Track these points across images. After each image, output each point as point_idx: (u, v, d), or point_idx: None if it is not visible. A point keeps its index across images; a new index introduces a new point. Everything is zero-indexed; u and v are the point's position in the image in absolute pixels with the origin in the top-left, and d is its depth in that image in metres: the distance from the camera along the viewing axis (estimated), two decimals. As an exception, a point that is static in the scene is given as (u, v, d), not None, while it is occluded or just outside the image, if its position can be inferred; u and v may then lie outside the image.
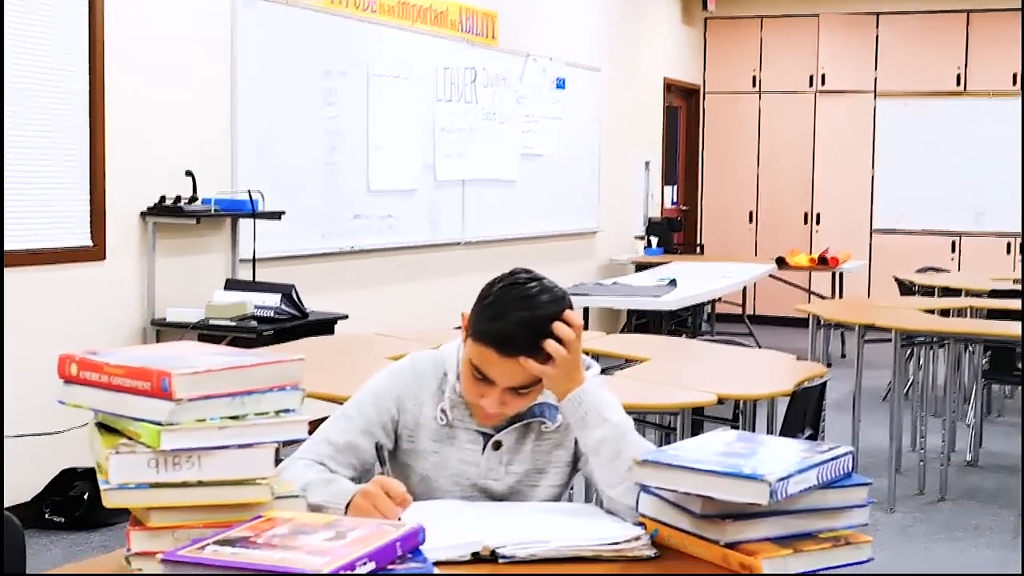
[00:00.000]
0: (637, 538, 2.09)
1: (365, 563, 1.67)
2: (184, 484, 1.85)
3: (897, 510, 5.69)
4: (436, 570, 1.82)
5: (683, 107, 12.89)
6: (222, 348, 2.08)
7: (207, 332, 5.67)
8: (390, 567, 1.73)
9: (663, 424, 4.25)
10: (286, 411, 1.94)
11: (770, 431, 4.32)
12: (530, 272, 2.32)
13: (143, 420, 1.85)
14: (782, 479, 1.94)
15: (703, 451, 2.08)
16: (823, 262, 10.36)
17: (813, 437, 4.02)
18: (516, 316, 2.23)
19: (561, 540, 2.07)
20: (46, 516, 5.25)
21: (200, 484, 1.86)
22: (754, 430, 4.08)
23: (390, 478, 2.11)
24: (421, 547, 1.82)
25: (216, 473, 1.86)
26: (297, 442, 2.05)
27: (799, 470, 1.98)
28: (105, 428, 1.96)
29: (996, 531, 5.41)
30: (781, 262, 10.25)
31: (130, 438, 1.89)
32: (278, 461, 1.96)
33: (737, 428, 4.29)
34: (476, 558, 2.03)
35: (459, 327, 2.35)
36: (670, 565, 2.05)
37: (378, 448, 2.24)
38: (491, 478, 2.40)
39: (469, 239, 8.61)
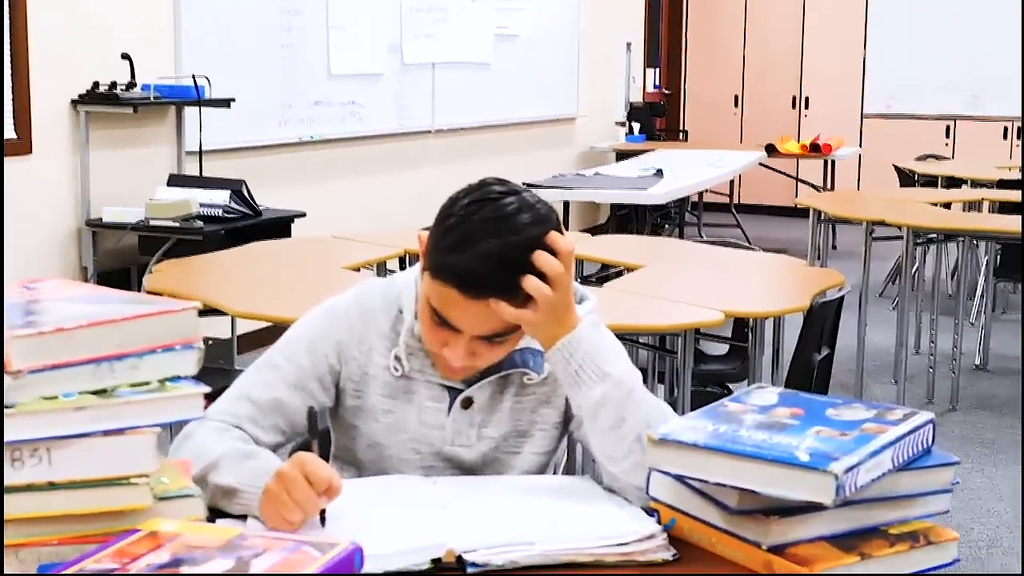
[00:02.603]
0: (650, 536, 1.59)
1: (271, 615, 1.16)
2: (29, 487, 1.34)
3: (906, 423, 5.22)
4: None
5: (666, -15, 12.21)
6: (94, 291, 1.54)
7: (148, 233, 5.14)
8: (310, 615, 1.22)
9: (657, 346, 3.73)
10: (174, 380, 1.42)
11: (776, 349, 3.82)
12: (506, 183, 1.76)
13: (-30, 399, 1.33)
14: (851, 468, 1.43)
15: (737, 421, 1.57)
16: (815, 149, 9.79)
17: (830, 357, 3.52)
18: (484, 246, 1.68)
19: (549, 542, 1.56)
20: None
21: (51, 487, 1.34)
22: (762, 349, 3.59)
23: (312, 456, 1.59)
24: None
25: (73, 471, 1.35)
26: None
27: (871, 453, 1.47)
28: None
29: (1013, 446, 4.96)
30: (771, 149, 9.67)
31: (-43, 421, 1.36)
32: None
33: (744, 350, 3.79)
34: (438, 567, 1.53)
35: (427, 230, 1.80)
36: (692, 571, 1.55)
37: (311, 416, 1.73)
38: (459, 444, 1.88)
39: (440, 127, 8.01)
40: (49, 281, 1.57)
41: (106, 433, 1.35)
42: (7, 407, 1.31)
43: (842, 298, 3.55)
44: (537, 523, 1.63)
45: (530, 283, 1.67)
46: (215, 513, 1.66)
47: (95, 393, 1.35)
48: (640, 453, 1.66)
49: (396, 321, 1.87)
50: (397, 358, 1.86)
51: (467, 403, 1.87)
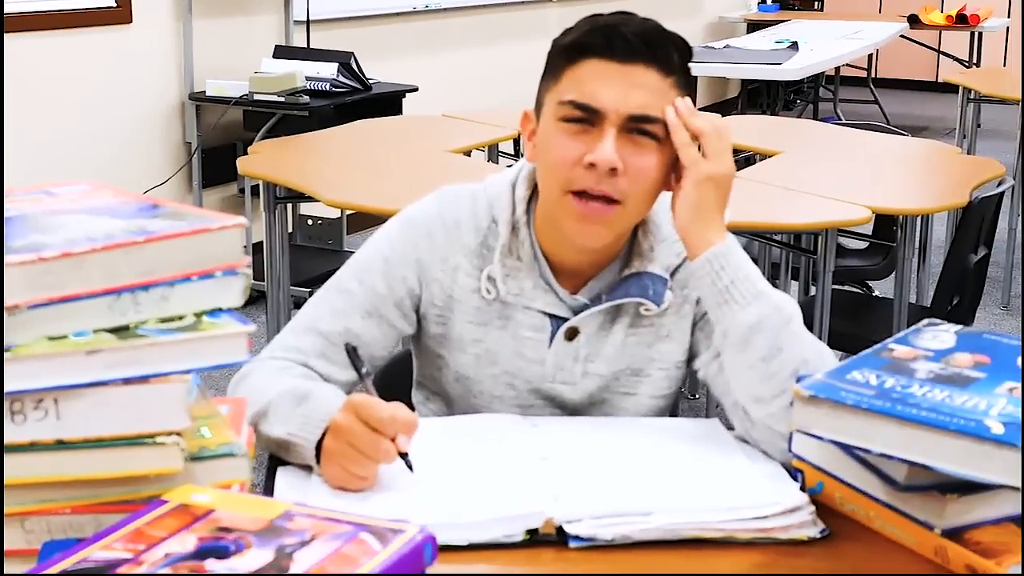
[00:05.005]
0: (795, 508, 1.30)
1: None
2: (33, 446, 1.09)
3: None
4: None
5: None
6: (127, 200, 1.27)
7: (252, 108, 4.90)
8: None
9: (792, 244, 3.37)
10: (214, 314, 1.15)
11: (924, 247, 3.45)
12: None
13: (-36, 337, 1.08)
14: (1059, 444, 1.12)
15: (907, 372, 1.26)
16: (961, 20, 9.15)
17: (986, 258, 3.16)
18: (629, 21, 1.50)
19: (670, 512, 1.28)
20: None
21: (60, 446, 1.09)
22: (912, 249, 3.23)
23: (365, 399, 1.34)
24: (430, 562, 1.05)
25: (86, 427, 1.09)
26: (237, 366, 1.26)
27: (1084, 422, 1.16)
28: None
29: None
30: (914, 20, 9.07)
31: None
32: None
33: (891, 248, 3.44)
34: (534, 539, 1.27)
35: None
36: (846, 553, 1.27)
37: (351, 353, 1.47)
38: (561, 381, 1.60)
39: (562, -6, 7.61)
40: (77, 185, 1.31)
41: (126, 381, 1.09)
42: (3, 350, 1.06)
43: (1002, 193, 3.17)
44: (655, 484, 1.35)
45: (682, 104, 1.50)
46: (277, 461, 1.42)
47: (113, 332, 1.09)
48: (790, 399, 1.36)
49: (488, 235, 1.58)
50: (491, 279, 1.57)
51: (571, 334, 1.58)
